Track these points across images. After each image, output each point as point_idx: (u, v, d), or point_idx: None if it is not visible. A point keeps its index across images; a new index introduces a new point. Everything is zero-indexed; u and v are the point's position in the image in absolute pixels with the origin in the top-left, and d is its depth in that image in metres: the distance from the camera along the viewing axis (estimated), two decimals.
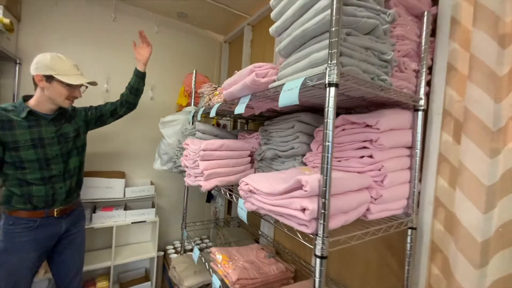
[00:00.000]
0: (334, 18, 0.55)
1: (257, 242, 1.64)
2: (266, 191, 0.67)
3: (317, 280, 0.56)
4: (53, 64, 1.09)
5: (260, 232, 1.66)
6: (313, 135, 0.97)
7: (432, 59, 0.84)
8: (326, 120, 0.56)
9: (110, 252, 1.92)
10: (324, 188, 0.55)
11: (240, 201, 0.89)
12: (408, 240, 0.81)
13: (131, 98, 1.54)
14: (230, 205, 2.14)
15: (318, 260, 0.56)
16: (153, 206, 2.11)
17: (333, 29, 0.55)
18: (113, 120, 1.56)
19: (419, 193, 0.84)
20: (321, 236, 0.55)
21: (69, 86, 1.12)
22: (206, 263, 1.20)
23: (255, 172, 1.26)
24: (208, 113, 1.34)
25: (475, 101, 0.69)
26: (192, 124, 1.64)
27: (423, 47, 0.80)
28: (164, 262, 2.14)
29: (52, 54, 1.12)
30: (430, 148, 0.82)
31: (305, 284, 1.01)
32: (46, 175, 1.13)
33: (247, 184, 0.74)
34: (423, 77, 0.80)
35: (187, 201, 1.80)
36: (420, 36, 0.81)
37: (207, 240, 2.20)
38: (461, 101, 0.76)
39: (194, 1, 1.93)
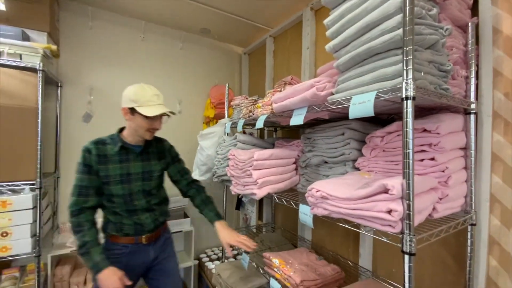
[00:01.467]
0: (407, 38, 0.62)
1: (295, 246, 1.68)
2: (343, 196, 0.73)
3: (406, 275, 0.61)
4: (135, 95, 1.08)
5: (298, 236, 1.71)
6: (362, 141, 1.03)
7: (477, 65, 0.90)
8: (405, 129, 0.62)
9: None
10: (407, 191, 0.61)
11: (303, 207, 0.95)
12: (469, 236, 0.86)
13: (193, 201, 1.38)
14: (261, 211, 2.19)
15: (407, 257, 0.61)
16: (185, 216, 2.17)
17: (408, 48, 0.62)
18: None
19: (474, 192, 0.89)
20: (408, 234, 0.61)
21: (148, 117, 1.09)
22: (260, 268, 1.25)
23: (300, 179, 1.32)
24: (248, 124, 1.42)
25: (502, 100, 0.75)
26: (227, 135, 1.71)
27: (470, 55, 0.86)
28: (199, 271, 2.19)
29: (136, 85, 1.13)
30: (483, 148, 0.88)
31: (369, 283, 1.06)
32: (131, 208, 1.16)
33: (319, 190, 0.80)
34: (473, 82, 0.86)
35: (226, 208, 1.86)
36: (466, 45, 0.88)
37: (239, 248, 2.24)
38: (509, 103, 0.82)
39: (217, 16, 2.02)
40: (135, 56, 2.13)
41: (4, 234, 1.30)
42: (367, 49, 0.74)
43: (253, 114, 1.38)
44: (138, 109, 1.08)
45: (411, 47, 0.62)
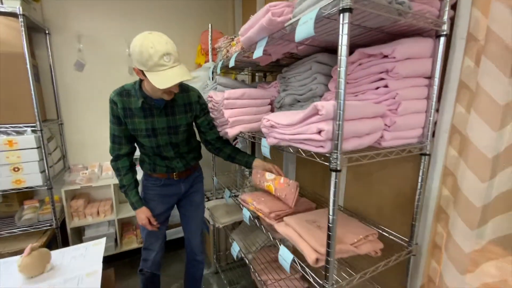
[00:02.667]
0: None
1: None
2: (286, 122, 0.75)
3: (332, 190, 0.66)
4: (141, 57, 0.93)
5: None
6: (330, 75, 1.00)
7: None
8: (340, 47, 0.59)
9: None
10: (339, 111, 0.61)
11: (263, 140, 0.99)
12: (421, 166, 0.87)
13: (221, 152, 1.38)
14: (253, 152, 2.28)
15: (333, 173, 0.65)
16: None
17: None
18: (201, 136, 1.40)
19: (435, 122, 0.87)
20: (336, 152, 0.63)
21: None
22: (236, 202, 1.37)
23: None
24: (228, 66, 1.39)
25: (497, 20, 0.67)
26: (213, 79, 1.70)
27: None
28: None
29: (142, 39, 0.94)
30: (451, 76, 0.82)
31: (324, 210, 1.14)
32: (163, 155, 1.23)
33: (269, 120, 0.82)
34: (448, 1, 0.76)
35: None
36: None
37: (234, 191, 2.42)
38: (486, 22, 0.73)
39: None
40: (125, 2, 2.04)
41: (16, 169, 1.49)
42: None
43: (229, 53, 1.34)
44: (148, 76, 0.95)
45: None
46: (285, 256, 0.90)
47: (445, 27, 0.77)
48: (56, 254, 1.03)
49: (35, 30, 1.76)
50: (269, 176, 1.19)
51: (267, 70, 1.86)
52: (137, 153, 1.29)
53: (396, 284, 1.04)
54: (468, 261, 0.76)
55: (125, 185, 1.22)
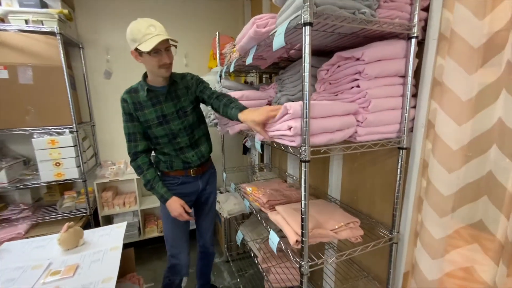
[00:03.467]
0: None
1: (286, 181, 1.89)
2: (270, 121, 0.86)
3: (302, 178, 0.76)
4: (132, 34, 1.04)
5: (287, 174, 1.90)
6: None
7: None
8: (304, 55, 0.69)
9: None
10: (305, 110, 0.72)
11: (256, 137, 1.11)
12: (399, 159, 0.93)
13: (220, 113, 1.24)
14: (262, 154, 2.41)
15: (303, 164, 0.75)
16: None
17: None
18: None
19: (413, 118, 0.93)
20: (304, 145, 0.73)
21: (152, 53, 1.05)
22: (240, 193, 1.51)
23: None
24: (234, 70, 1.52)
25: (460, 21, 0.72)
26: (220, 83, 1.85)
27: None
28: None
29: (131, 25, 1.06)
30: (425, 74, 0.88)
31: (321, 202, 1.23)
32: (177, 147, 1.26)
33: None
34: (417, 3, 0.82)
35: (224, 149, 2.12)
36: None
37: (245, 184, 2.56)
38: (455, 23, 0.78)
39: None
40: (146, 14, 2.27)
41: (58, 164, 1.77)
42: None
43: (231, 59, 1.48)
44: (139, 47, 1.03)
45: None
46: (273, 239, 1.01)
47: (415, 29, 0.83)
48: (88, 233, 1.25)
49: (71, 45, 2.05)
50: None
51: (271, 72, 1.97)
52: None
53: (381, 271, 1.11)
54: (439, 246, 0.82)
55: (150, 179, 1.24)
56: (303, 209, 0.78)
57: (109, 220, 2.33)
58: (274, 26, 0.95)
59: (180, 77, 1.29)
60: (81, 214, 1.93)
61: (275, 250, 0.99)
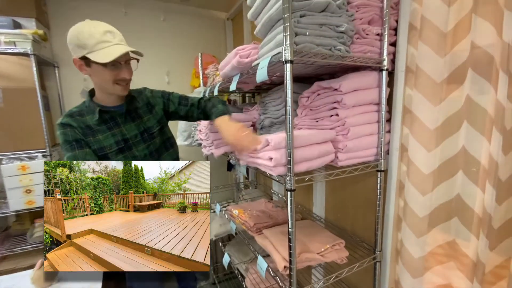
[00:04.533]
0: (284, 6, 0.69)
1: (271, 199, 1.90)
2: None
3: (289, 207, 0.78)
4: (79, 39, 0.81)
5: (272, 191, 1.92)
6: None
7: (397, 21, 0.92)
8: (285, 90, 0.73)
9: None
10: (288, 141, 0.74)
11: (241, 161, 1.12)
12: (378, 181, 0.98)
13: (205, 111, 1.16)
14: (248, 171, 2.41)
15: (288, 192, 0.77)
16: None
17: (285, 15, 0.69)
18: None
19: (388, 142, 0.99)
20: (289, 175, 0.76)
21: (107, 65, 0.84)
22: (226, 215, 1.49)
23: None
24: (212, 93, 1.54)
25: (423, 57, 0.80)
26: None
27: (385, 11, 0.88)
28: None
29: (78, 26, 0.84)
30: (397, 102, 0.95)
31: (307, 222, 1.25)
32: None
33: None
34: (385, 40, 0.89)
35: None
36: (383, 1, 0.89)
37: (232, 202, 2.54)
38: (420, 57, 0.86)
39: None
40: (120, 32, 2.25)
41: (28, 191, 1.66)
42: (269, 17, 0.81)
43: (214, 81, 1.50)
44: (90, 56, 0.81)
45: (287, 14, 0.69)
46: (261, 265, 1.01)
47: (385, 63, 0.90)
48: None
49: (45, 64, 1.97)
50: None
51: (254, 91, 2.02)
52: None
53: None
54: (418, 265, 0.86)
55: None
56: (290, 237, 0.79)
57: None
58: (256, 57, 0.98)
59: (138, 93, 1.09)
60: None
61: (263, 275, 0.99)
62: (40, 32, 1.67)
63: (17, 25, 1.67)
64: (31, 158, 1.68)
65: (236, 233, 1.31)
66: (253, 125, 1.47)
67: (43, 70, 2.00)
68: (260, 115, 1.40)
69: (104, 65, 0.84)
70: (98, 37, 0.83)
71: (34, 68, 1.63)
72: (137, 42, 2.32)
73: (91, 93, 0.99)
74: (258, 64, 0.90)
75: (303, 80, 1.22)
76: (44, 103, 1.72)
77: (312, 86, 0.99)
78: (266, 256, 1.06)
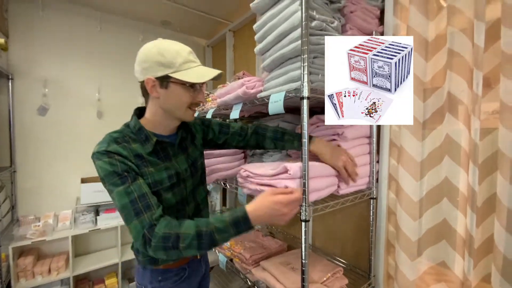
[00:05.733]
0: (303, 48, 0.76)
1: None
2: (259, 173, 0.89)
3: (303, 238, 0.78)
4: (166, 57, 0.73)
5: None
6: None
7: None
8: (302, 123, 0.77)
9: (116, 251, 2.07)
10: (304, 172, 0.77)
11: (240, 190, 1.10)
12: (371, 207, 1.06)
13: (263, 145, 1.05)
14: (224, 197, 2.34)
15: (303, 223, 0.78)
16: None
17: (304, 56, 0.76)
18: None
19: (377, 171, 1.10)
20: (304, 205, 0.77)
21: (192, 87, 0.77)
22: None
23: None
24: (204, 116, 1.52)
25: None
26: None
27: None
28: None
29: (156, 42, 0.76)
30: (384, 137, 1.07)
31: (297, 252, 1.25)
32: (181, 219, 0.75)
33: (246, 170, 0.95)
34: None
35: None
36: None
37: None
38: None
39: (177, 9, 2.05)
40: (93, 48, 2.11)
41: None
42: (280, 55, 0.88)
43: (205, 107, 1.49)
44: (177, 76, 0.74)
45: (306, 55, 0.76)
46: None
47: None
48: None
49: None
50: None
51: (240, 118, 2.04)
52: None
53: None
54: (413, 287, 0.93)
55: (202, 230, 0.69)
56: (304, 269, 0.79)
57: None
58: (260, 89, 1.03)
59: (184, 122, 0.92)
60: None
61: None
62: (1, 41, 1.47)
63: None
64: None
65: (231, 265, 1.23)
66: (243, 152, 1.48)
67: None
68: None
69: (186, 87, 0.77)
70: (185, 56, 0.76)
71: None
72: (112, 59, 2.19)
73: (138, 113, 0.85)
74: (265, 96, 0.95)
75: (293, 111, 1.30)
76: None
77: (312, 118, 1.06)
78: None
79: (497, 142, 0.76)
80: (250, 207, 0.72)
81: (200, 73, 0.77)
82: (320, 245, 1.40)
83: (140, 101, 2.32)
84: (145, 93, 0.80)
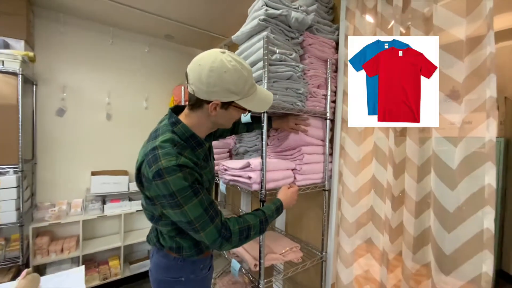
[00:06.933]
0: (264, 76, 1.05)
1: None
2: (232, 166, 1.17)
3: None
4: (236, 85, 0.74)
5: (240, 210, 2.16)
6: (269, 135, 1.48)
7: (336, 87, 1.37)
8: (262, 130, 1.06)
9: (118, 237, 2.36)
10: (262, 165, 1.05)
11: (220, 180, 1.39)
12: (324, 198, 1.34)
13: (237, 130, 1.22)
14: (216, 192, 2.62)
15: (261, 203, 1.06)
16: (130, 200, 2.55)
17: (264, 82, 1.05)
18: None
19: (331, 169, 1.37)
20: (262, 190, 1.06)
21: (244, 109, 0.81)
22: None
23: None
24: None
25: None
26: None
27: (328, 81, 1.32)
28: None
29: (229, 65, 0.72)
30: (336, 141, 1.35)
31: (271, 233, 1.53)
32: None
33: (223, 165, 1.24)
34: (328, 99, 1.31)
35: None
36: (327, 74, 1.33)
37: None
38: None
39: (179, 26, 2.36)
40: (105, 59, 2.42)
41: None
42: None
43: None
44: (242, 103, 0.78)
45: (266, 81, 1.05)
46: (234, 266, 1.23)
47: (328, 114, 1.32)
48: (43, 280, 1.21)
49: (24, 82, 2.00)
50: None
51: None
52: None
53: (317, 284, 1.43)
54: (349, 258, 1.21)
55: (260, 219, 0.85)
56: (261, 243, 1.07)
57: (39, 271, 2.06)
58: None
59: None
60: (11, 264, 1.71)
61: (236, 275, 1.21)
62: (31, 54, 1.77)
63: (6, 45, 1.75)
64: (1, 174, 1.66)
65: None
66: (229, 151, 1.76)
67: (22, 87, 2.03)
68: (236, 144, 1.71)
69: (242, 109, 0.81)
70: (251, 82, 0.78)
71: (20, 87, 1.70)
72: (121, 68, 2.50)
73: (176, 111, 0.84)
74: None
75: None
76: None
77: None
78: (236, 258, 1.29)
79: (405, 150, 1.05)
80: (281, 198, 0.98)
81: (261, 99, 0.82)
82: (291, 230, 1.68)
83: (143, 105, 2.62)
84: (197, 106, 0.79)
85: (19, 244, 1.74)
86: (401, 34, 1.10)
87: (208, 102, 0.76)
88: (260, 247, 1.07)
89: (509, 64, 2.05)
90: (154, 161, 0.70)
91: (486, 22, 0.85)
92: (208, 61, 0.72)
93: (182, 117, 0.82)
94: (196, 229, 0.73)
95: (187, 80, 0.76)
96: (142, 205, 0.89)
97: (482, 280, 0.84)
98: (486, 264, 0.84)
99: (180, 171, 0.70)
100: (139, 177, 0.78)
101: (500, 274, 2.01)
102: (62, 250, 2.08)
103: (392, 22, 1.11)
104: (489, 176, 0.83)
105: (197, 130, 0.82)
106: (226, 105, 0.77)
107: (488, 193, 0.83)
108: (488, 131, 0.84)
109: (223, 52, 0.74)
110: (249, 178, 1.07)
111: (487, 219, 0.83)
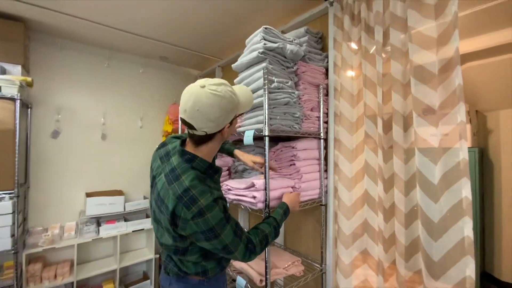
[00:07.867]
0: (265, 102, 1.15)
1: None
2: (236, 186, 1.25)
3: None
4: (233, 102, 0.81)
5: None
6: None
7: (327, 109, 1.49)
8: (265, 151, 1.15)
9: (114, 259, 2.32)
10: (266, 185, 1.13)
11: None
12: (322, 212, 1.43)
13: None
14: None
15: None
16: (146, 217, 2.53)
17: (265, 107, 1.15)
18: None
19: (326, 185, 1.48)
20: (267, 208, 1.13)
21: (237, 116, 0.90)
22: None
23: None
24: None
25: (342, 133, 1.35)
26: None
27: (320, 104, 1.44)
28: (160, 263, 2.56)
29: (223, 94, 0.76)
30: (330, 159, 1.46)
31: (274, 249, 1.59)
32: None
33: (227, 185, 1.31)
34: (321, 121, 1.43)
35: None
36: (319, 97, 1.46)
37: None
38: (341, 133, 1.42)
39: (173, 48, 2.45)
40: (100, 80, 2.46)
41: None
42: (253, 105, 1.26)
43: None
44: (239, 111, 0.87)
45: (266, 107, 1.15)
46: (240, 283, 1.28)
47: (322, 134, 1.43)
48: None
49: (20, 106, 2.00)
50: None
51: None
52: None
53: None
54: (348, 269, 1.29)
55: (274, 225, 0.96)
56: (266, 259, 1.13)
57: None
58: (240, 125, 1.41)
59: None
60: None
61: None
62: (29, 79, 1.79)
63: (3, 71, 1.77)
64: None
65: None
66: (228, 169, 1.83)
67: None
68: (235, 162, 1.78)
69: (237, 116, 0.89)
70: (234, 91, 0.84)
71: (17, 112, 1.71)
72: (116, 89, 2.54)
73: (196, 157, 0.84)
74: (242, 131, 1.33)
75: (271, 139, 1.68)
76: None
77: (277, 145, 1.44)
78: (240, 274, 1.34)
79: (393, 166, 1.17)
80: (286, 201, 1.10)
81: (245, 97, 0.88)
82: (290, 244, 1.74)
83: (139, 125, 2.66)
84: (208, 139, 0.83)
85: (13, 272, 1.68)
86: (383, 63, 1.25)
87: (220, 130, 0.82)
88: (266, 263, 1.13)
89: (479, 81, 2.30)
90: (192, 202, 0.73)
91: (454, 58, 1.01)
92: (202, 102, 0.74)
93: (191, 150, 0.84)
94: (230, 251, 0.79)
95: (193, 129, 0.78)
96: (164, 244, 0.87)
97: (467, 282, 0.95)
98: (469, 268, 0.95)
99: (217, 204, 0.75)
100: (174, 221, 0.77)
101: (484, 276, 2.15)
102: (55, 277, 2.02)
103: (375, 53, 1.26)
104: (465, 190, 0.95)
105: (209, 159, 0.87)
106: (231, 121, 0.85)
107: (465, 204, 0.95)
108: (461, 150, 0.97)
109: (203, 86, 0.76)
110: (254, 197, 1.15)
111: (466, 228, 0.95)
